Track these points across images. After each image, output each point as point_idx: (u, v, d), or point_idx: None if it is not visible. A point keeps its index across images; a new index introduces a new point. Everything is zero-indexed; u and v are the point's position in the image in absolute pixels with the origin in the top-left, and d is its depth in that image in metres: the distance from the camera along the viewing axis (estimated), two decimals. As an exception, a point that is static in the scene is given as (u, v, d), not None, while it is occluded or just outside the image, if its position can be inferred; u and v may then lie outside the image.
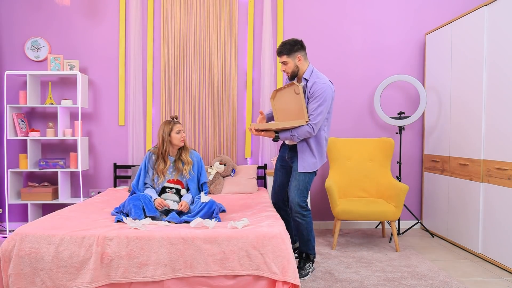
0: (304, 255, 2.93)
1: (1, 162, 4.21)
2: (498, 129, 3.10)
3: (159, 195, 2.83)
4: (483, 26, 3.28)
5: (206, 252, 2.21)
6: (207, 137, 4.26)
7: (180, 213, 2.73)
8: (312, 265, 2.92)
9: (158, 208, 2.68)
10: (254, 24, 4.30)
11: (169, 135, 2.79)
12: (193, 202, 2.82)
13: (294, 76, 2.81)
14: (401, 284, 2.71)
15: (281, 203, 3.13)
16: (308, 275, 2.83)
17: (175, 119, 2.85)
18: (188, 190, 2.88)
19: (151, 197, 2.73)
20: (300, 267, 2.85)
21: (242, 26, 4.30)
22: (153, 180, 2.85)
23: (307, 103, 2.74)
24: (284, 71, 2.79)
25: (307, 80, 2.76)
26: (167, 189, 2.82)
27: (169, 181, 2.83)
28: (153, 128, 4.27)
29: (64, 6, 4.20)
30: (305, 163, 2.81)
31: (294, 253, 3.20)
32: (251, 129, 2.78)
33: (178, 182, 2.84)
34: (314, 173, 2.89)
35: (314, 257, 2.93)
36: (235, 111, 4.27)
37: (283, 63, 2.77)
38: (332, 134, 4.33)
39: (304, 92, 2.75)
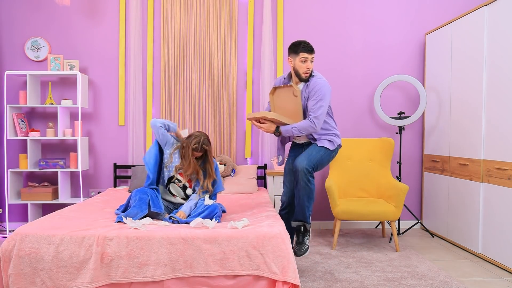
0: (302, 229, 2.83)
1: (1, 162, 4.21)
2: (498, 129, 3.10)
3: (166, 185, 2.85)
4: (483, 26, 3.28)
5: (206, 252, 2.21)
6: (207, 137, 4.25)
7: None
8: (309, 237, 2.84)
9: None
10: (254, 24, 4.30)
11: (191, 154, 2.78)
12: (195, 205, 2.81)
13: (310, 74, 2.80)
14: (401, 284, 2.71)
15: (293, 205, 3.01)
16: (308, 251, 2.81)
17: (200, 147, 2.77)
18: (194, 190, 2.86)
19: (158, 192, 2.74)
20: (299, 243, 2.79)
21: (242, 26, 4.30)
22: (166, 166, 2.83)
23: (307, 102, 2.75)
24: (309, 69, 2.74)
25: (312, 77, 2.78)
26: (175, 180, 2.83)
27: (180, 174, 2.83)
28: (153, 128, 4.27)
29: (64, 6, 4.20)
30: (323, 143, 2.78)
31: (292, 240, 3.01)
32: (249, 118, 2.77)
33: (188, 180, 2.84)
34: (330, 153, 2.83)
35: (310, 227, 2.85)
36: (235, 111, 4.27)
37: (312, 60, 2.76)
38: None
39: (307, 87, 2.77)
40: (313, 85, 2.73)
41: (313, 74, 2.80)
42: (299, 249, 2.76)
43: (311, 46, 2.75)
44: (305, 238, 2.82)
